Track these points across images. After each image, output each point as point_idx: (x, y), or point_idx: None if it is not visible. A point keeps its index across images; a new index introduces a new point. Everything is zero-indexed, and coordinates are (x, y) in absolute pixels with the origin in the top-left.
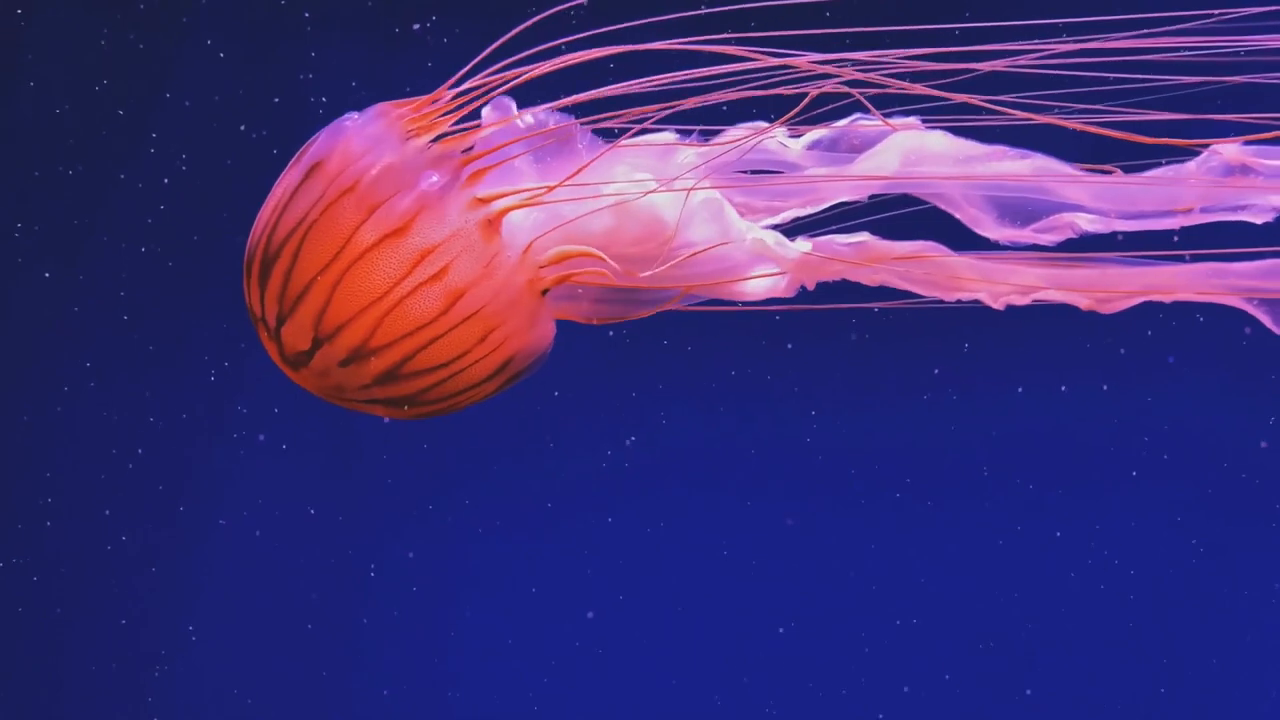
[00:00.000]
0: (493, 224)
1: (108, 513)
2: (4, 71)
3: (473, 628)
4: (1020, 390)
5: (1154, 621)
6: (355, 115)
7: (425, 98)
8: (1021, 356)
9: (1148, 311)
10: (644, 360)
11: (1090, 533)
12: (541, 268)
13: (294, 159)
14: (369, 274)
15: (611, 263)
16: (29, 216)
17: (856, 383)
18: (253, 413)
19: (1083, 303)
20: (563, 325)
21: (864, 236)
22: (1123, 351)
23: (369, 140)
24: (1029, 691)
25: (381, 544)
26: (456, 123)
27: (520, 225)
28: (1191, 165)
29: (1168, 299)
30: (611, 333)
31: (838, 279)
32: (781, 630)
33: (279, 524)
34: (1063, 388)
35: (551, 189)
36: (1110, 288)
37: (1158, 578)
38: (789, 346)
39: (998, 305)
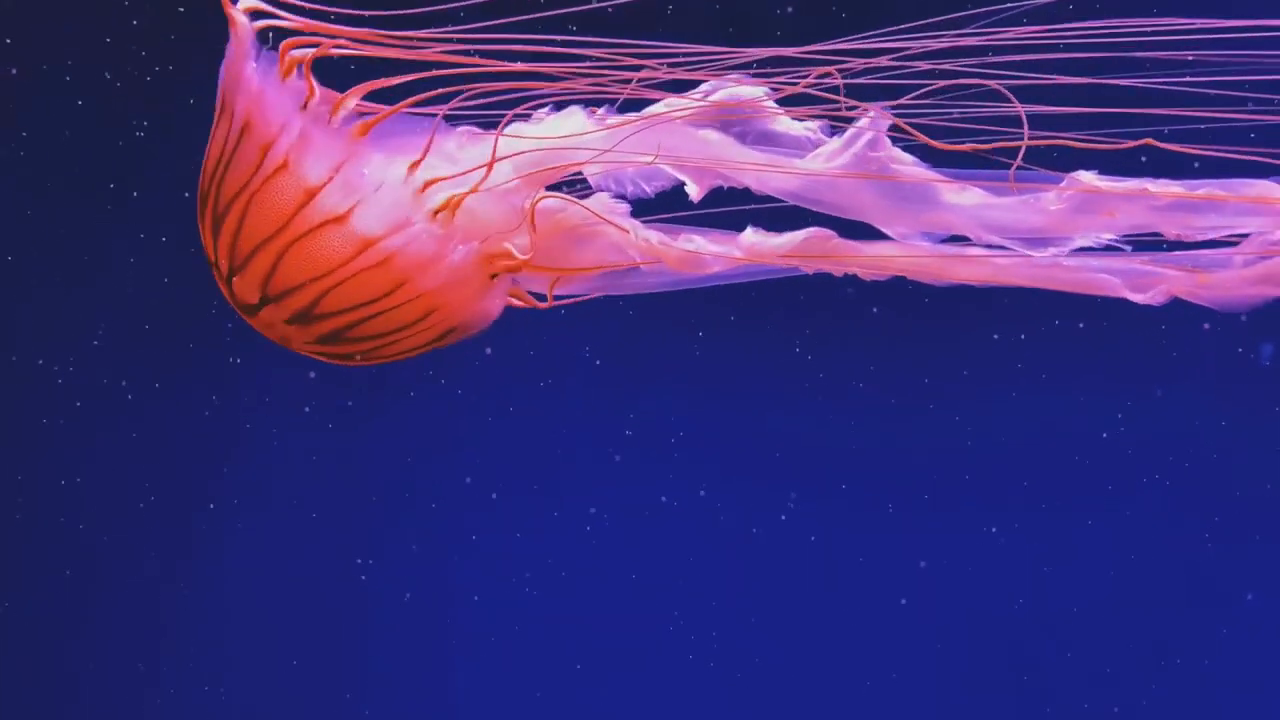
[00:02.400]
0: (439, 215)
1: (93, 512)
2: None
3: (471, 621)
4: (1011, 387)
5: (1149, 623)
6: (269, 65)
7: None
8: (1015, 356)
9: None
10: (644, 353)
11: (1083, 534)
12: (494, 259)
13: (218, 105)
14: (313, 253)
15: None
16: (41, 212)
17: (851, 379)
18: (258, 411)
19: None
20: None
21: (749, 234)
22: (1116, 353)
23: (290, 103)
24: (1025, 677)
25: (381, 539)
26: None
27: (468, 211)
28: (1052, 195)
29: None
30: (607, 331)
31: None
32: (780, 624)
33: (282, 522)
34: (1051, 387)
35: (490, 168)
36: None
37: (1151, 578)
38: (791, 341)
39: (867, 278)
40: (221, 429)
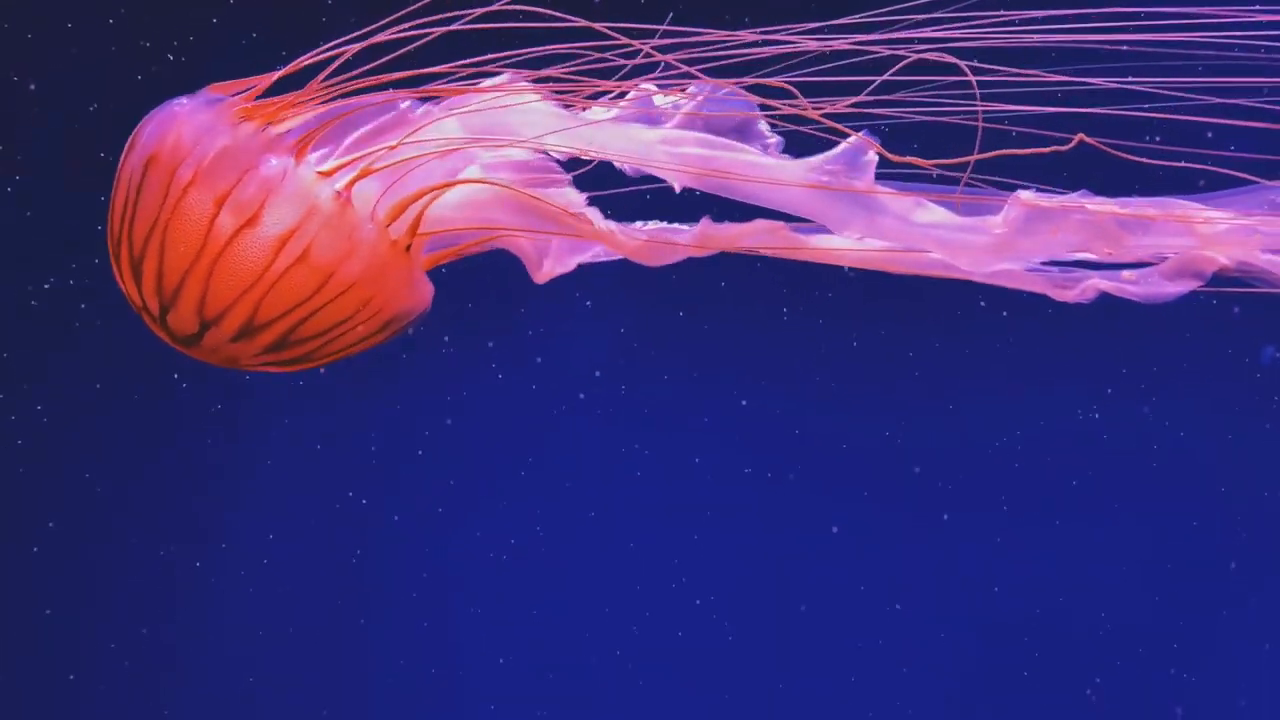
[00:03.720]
0: (342, 197)
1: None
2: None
3: (474, 622)
4: (1009, 389)
5: (1146, 629)
6: (185, 101)
7: (250, 82)
8: (1014, 356)
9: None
10: (651, 348)
11: (1082, 535)
12: (391, 224)
13: (128, 145)
14: (236, 264)
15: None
16: (47, 214)
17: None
18: (259, 412)
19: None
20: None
21: (703, 224)
22: (1117, 353)
23: (199, 128)
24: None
25: (382, 534)
26: (283, 101)
27: (372, 194)
28: (998, 218)
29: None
30: (614, 324)
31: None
32: (779, 618)
33: (283, 510)
34: (1051, 388)
35: (392, 148)
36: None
37: (1141, 574)
38: (788, 324)
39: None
40: (227, 421)
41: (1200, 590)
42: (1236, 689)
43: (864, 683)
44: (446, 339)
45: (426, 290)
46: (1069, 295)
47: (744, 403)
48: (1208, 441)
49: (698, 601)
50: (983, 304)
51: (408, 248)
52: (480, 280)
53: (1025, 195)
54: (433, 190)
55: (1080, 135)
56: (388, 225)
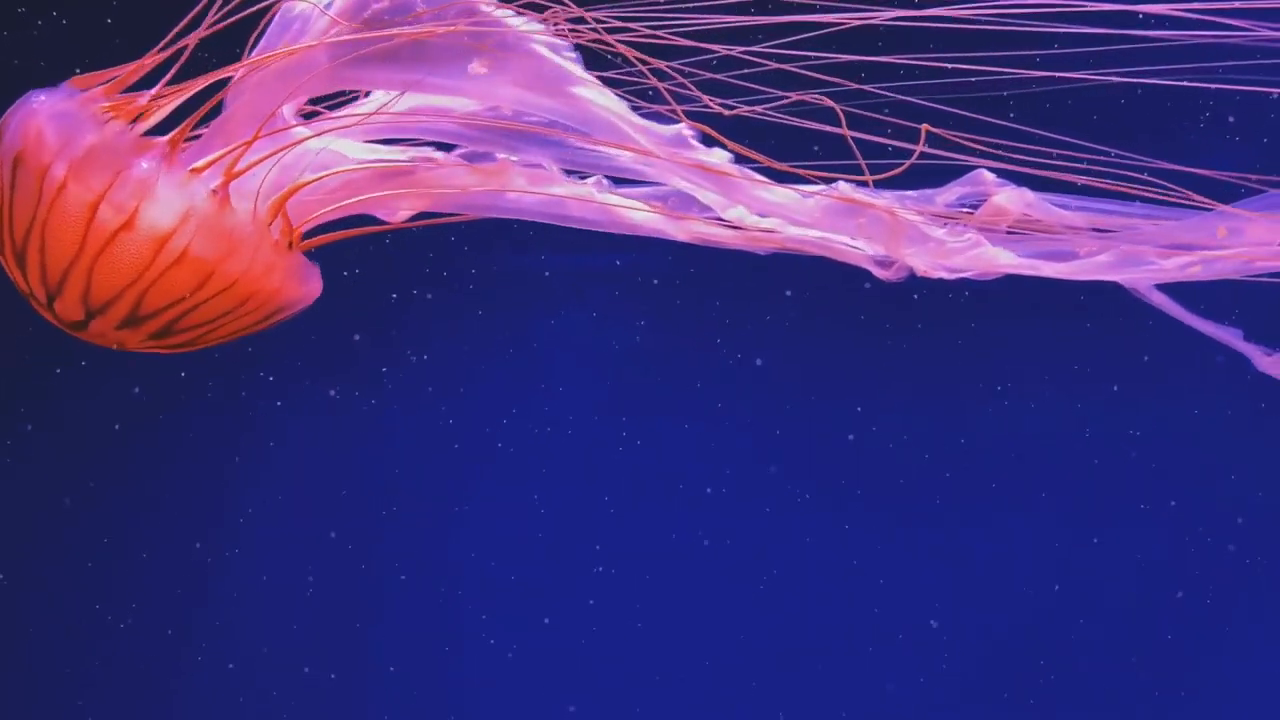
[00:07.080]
0: (219, 195)
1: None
2: None
3: (473, 619)
4: (1009, 389)
5: (1147, 629)
6: (44, 95)
7: (111, 77)
8: (1015, 355)
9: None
10: (659, 347)
11: (1086, 538)
12: (269, 218)
13: None
14: (116, 263)
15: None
16: None
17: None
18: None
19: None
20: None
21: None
22: (1126, 354)
23: (64, 125)
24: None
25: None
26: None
27: (248, 188)
28: (810, 202)
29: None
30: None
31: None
32: (774, 623)
33: (293, 514)
34: (1052, 389)
35: (256, 138)
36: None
37: (1153, 581)
38: (791, 335)
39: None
40: (235, 424)
41: (1197, 588)
42: (1235, 687)
43: (877, 683)
44: (451, 342)
45: (314, 278)
46: (887, 274)
47: (732, 402)
48: (1206, 439)
49: (700, 603)
50: (973, 324)
51: (290, 243)
52: (483, 283)
53: (844, 187)
54: (307, 181)
55: (926, 125)
56: (267, 220)
